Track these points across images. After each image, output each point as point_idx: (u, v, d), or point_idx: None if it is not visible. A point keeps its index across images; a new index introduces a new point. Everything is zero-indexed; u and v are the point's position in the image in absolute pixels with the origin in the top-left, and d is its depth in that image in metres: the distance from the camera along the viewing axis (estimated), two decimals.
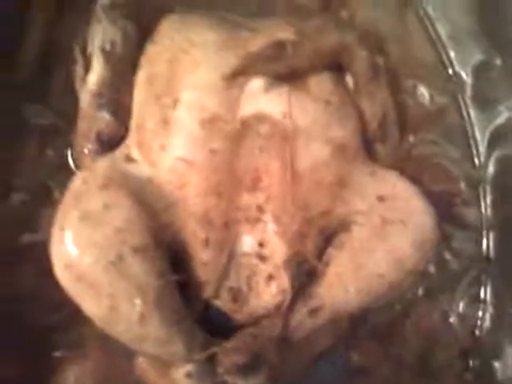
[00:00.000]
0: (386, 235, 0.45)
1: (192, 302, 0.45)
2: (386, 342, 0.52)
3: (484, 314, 0.52)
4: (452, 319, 0.53)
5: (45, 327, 0.48)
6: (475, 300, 0.53)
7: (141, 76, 0.49)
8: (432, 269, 0.53)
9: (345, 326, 0.50)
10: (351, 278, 0.45)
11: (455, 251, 0.53)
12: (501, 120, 0.53)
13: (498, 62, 0.52)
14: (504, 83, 0.53)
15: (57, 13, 0.52)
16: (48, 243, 0.43)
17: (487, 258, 0.53)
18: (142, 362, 0.48)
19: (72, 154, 0.51)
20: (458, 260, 0.53)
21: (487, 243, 0.54)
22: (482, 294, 0.53)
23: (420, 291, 0.53)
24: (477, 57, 0.54)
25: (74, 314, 0.47)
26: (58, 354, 0.48)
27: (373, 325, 0.52)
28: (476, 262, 0.53)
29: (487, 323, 0.52)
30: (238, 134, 0.46)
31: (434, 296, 0.53)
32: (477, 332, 0.52)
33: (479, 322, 0.52)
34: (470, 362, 0.52)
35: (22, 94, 0.51)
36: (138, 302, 0.40)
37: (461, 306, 0.53)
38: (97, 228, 0.41)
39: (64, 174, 0.50)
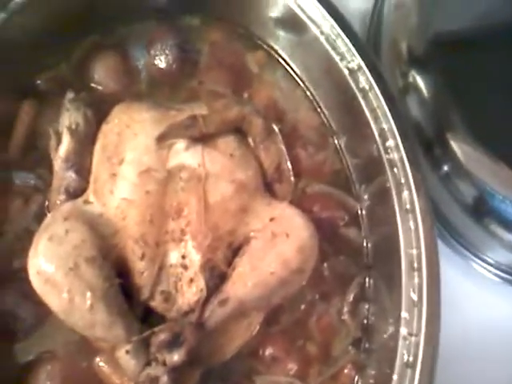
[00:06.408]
0: (275, 244, 0.62)
1: (134, 303, 0.60)
2: (293, 336, 0.66)
3: (369, 308, 0.67)
4: (344, 316, 0.67)
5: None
6: (361, 299, 0.68)
7: (97, 146, 0.68)
8: (327, 276, 0.68)
9: (258, 324, 0.65)
10: (249, 276, 0.60)
11: (344, 262, 0.69)
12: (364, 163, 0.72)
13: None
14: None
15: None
16: None
17: (368, 265, 0.69)
18: (98, 362, 0.62)
19: (48, 206, 0.68)
20: (346, 269, 0.69)
21: (367, 254, 0.70)
22: (366, 294, 0.68)
23: (317, 295, 0.67)
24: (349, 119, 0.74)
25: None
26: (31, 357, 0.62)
27: (282, 323, 0.66)
28: (360, 269, 0.69)
29: (372, 315, 0.67)
30: (165, 180, 0.64)
31: (329, 298, 0.67)
32: (365, 322, 0.67)
33: (366, 315, 0.67)
34: (362, 347, 0.66)
35: (13, 165, 0.70)
36: (88, 296, 0.56)
37: (351, 304, 0.67)
38: (60, 245, 0.57)
39: (42, 220, 0.67)
